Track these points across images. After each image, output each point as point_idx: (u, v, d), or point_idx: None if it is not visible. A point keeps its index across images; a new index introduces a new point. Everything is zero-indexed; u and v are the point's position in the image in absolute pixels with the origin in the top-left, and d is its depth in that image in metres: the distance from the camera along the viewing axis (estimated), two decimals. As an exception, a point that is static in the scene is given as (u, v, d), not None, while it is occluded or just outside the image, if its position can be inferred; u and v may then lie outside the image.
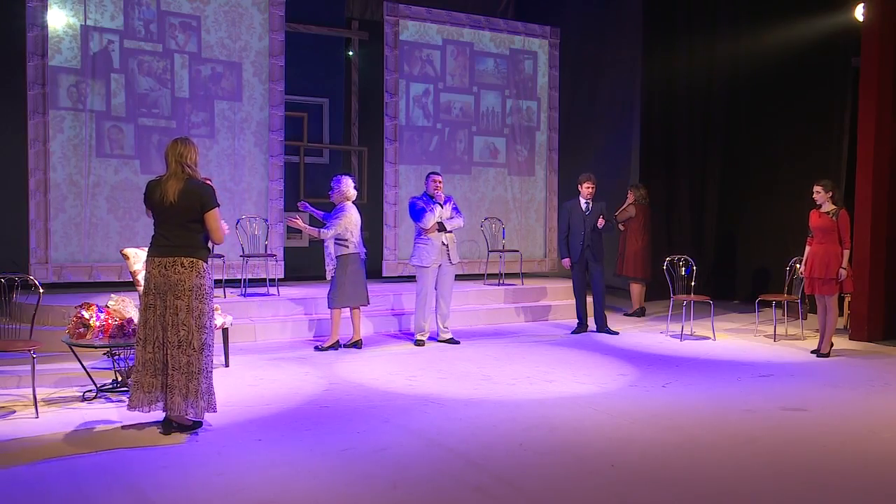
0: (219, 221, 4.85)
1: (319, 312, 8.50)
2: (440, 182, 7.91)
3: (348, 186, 7.53)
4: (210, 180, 5.41)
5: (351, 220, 7.41)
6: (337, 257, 7.41)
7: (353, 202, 7.56)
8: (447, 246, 7.85)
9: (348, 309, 7.57)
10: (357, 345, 7.61)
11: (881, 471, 4.44)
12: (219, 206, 4.86)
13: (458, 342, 7.96)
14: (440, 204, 7.80)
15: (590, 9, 12.23)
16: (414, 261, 7.93)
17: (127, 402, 4.92)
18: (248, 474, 4.20)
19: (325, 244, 7.47)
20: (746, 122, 10.96)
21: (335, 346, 7.52)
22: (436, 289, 7.94)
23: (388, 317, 8.81)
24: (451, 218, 7.88)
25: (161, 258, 4.76)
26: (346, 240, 7.39)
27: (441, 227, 7.80)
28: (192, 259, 4.76)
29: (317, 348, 7.53)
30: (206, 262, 4.87)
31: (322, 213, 7.80)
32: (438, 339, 8.02)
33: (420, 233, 7.86)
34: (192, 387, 4.76)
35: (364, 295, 7.53)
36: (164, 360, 4.76)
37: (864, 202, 8.25)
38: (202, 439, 4.76)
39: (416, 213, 7.81)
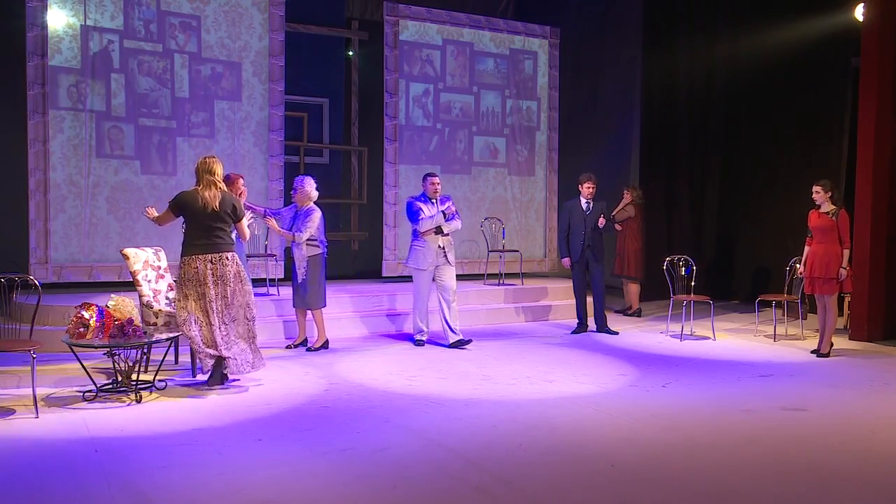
0: (245, 227, 6.12)
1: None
2: (438, 184, 7.82)
3: (312, 187, 7.44)
4: (242, 177, 7.00)
5: (319, 221, 7.39)
6: (310, 258, 7.34)
7: (315, 202, 7.51)
8: (444, 248, 7.74)
9: (304, 309, 7.55)
10: (305, 343, 7.63)
11: (881, 471, 4.44)
12: (244, 215, 6.08)
13: (469, 341, 7.79)
14: (443, 212, 7.66)
15: (590, 9, 12.23)
16: (410, 262, 7.86)
17: (207, 369, 5.83)
18: (248, 474, 4.20)
19: (296, 246, 7.35)
20: (746, 122, 10.97)
21: (325, 344, 7.54)
22: (438, 291, 7.80)
23: (386, 317, 8.81)
24: (449, 220, 7.74)
25: (208, 254, 5.78)
26: (316, 239, 7.35)
27: (438, 230, 7.69)
28: (232, 253, 5.89)
29: (308, 349, 7.50)
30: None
31: (264, 208, 7.76)
32: (450, 343, 7.75)
33: (416, 234, 7.76)
34: (253, 347, 5.95)
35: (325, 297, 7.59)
36: (224, 334, 5.79)
37: (864, 202, 8.25)
38: (202, 439, 4.76)
39: (413, 214, 7.71)
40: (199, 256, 5.76)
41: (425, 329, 7.92)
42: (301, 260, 7.35)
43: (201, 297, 5.76)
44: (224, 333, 5.79)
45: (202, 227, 5.78)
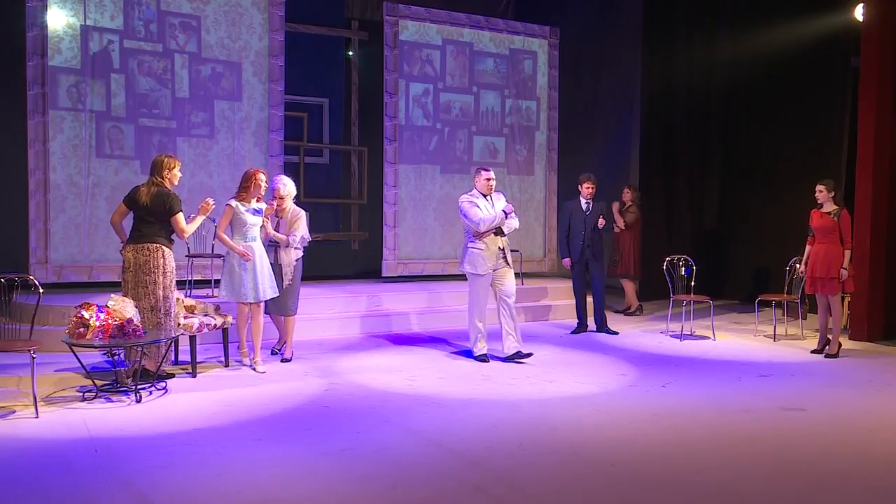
0: (181, 223, 6.11)
1: (318, 312, 8.51)
2: (493, 180, 7.16)
3: (294, 186, 7.08)
4: (261, 171, 6.67)
5: (306, 222, 7.00)
6: (296, 261, 6.96)
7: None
8: (503, 249, 7.11)
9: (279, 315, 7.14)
10: (281, 351, 7.19)
11: (881, 471, 4.44)
12: (181, 211, 6.11)
13: (529, 354, 7.10)
14: (504, 210, 7.09)
15: (590, 9, 12.23)
16: (467, 268, 7.10)
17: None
18: (248, 474, 4.20)
19: (283, 251, 6.89)
20: (746, 122, 10.97)
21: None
22: (499, 298, 7.15)
23: (386, 317, 8.81)
24: (508, 218, 7.13)
25: (135, 244, 6.04)
26: (299, 241, 6.98)
27: (498, 230, 7.07)
28: (157, 245, 6.04)
29: (285, 360, 7.02)
30: (170, 248, 6.13)
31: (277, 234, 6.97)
32: (507, 356, 7.07)
33: (472, 236, 7.07)
34: (162, 348, 5.99)
35: None
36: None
37: (863, 202, 8.24)
38: (202, 439, 4.76)
39: (469, 213, 7.01)
40: (129, 246, 6.07)
41: (484, 341, 7.18)
42: (290, 265, 6.91)
43: (125, 284, 6.06)
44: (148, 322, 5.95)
45: (138, 219, 6.13)
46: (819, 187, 7.53)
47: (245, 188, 6.57)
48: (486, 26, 10.87)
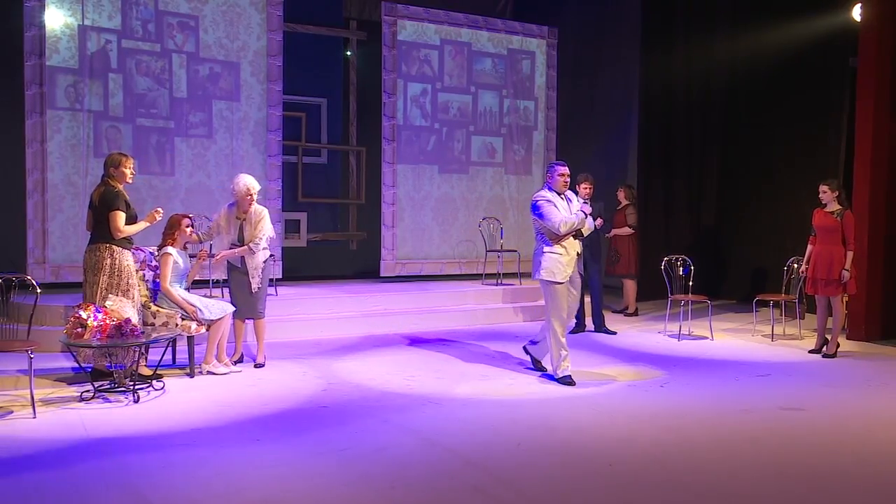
0: (116, 221, 5.91)
1: (316, 312, 8.50)
2: (569, 176, 6.41)
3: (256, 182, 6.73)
4: (188, 216, 6.57)
5: (269, 220, 6.73)
6: (263, 262, 6.69)
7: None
8: (580, 255, 6.40)
9: (243, 321, 6.87)
10: (242, 360, 6.88)
11: (880, 471, 4.44)
12: (119, 209, 5.91)
13: (573, 384, 6.25)
14: (582, 211, 6.37)
15: (589, 9, 12.24)
16: (544, 275, 6.25)
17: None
18: (247, 474, 4.20)
19: (249, 254, 6.61)
20: (744, 122, 10.98)
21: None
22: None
23: (383, 317, 8.80)
24: (588, 218, 6.42)
25: (89, 244, 6.00)
26: (265, 242, 6.67)
27: (578, 233, 6.32)
28: (107, 244, 5.93)
29: (258, 365, 6.73)
30: (121, 247, 5.97)
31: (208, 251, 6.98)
32: (535, 366, 6.71)
33: (547, 239, 6.29)
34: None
35: None
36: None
37: (861, 202, 8.24)
38: (200, 439, 4.75)
39: (548, 214, 6.23)
40: (87, 247, 6.02)
41: (569, 360, 6.35)
42: (257, 268, 6.63)
43: (84, 284, 6.02)
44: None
45: (94, 220, 6.02)
46: (822, 188, 7.51)
47: (171, 235, 6.42)
48: (484, 26, 10.88)
